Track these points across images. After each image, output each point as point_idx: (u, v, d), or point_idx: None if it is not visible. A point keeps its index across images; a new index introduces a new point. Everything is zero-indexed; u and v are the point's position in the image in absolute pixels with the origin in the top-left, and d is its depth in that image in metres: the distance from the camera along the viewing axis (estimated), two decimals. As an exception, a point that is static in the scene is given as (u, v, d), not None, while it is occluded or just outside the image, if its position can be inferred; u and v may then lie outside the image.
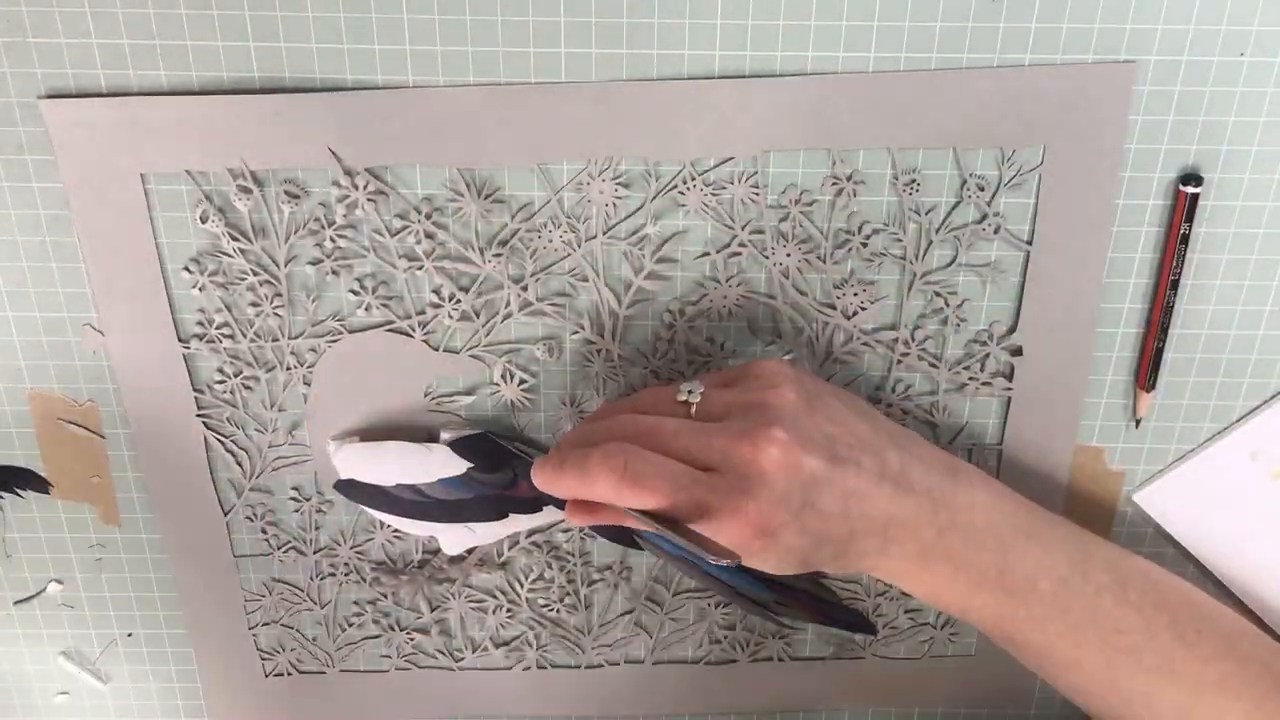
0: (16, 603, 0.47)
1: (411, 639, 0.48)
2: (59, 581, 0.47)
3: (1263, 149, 0.38)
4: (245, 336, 0.41)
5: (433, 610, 0.47)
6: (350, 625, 0.47)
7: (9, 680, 0.49)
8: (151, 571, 0.47)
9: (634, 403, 0.37)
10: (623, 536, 0.44)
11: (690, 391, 0.36)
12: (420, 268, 0.40)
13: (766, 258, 0.40)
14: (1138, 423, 0.43)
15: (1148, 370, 0.41)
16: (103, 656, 0.49)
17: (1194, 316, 0.41)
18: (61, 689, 0.49)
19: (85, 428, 0.43)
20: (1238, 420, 0.43)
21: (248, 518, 0.45)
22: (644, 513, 0.34)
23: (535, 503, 0.43)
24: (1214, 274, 0.40)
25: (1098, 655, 0.37)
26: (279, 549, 0.46)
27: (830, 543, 0.35)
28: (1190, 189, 0.38)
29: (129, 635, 0.48)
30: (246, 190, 0.38)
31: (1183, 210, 0.38)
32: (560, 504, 0.43)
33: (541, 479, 0.35)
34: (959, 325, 0.41)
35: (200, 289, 0.40)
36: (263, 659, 0.48)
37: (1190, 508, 0.44)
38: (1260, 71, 0.36)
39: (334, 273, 0.40)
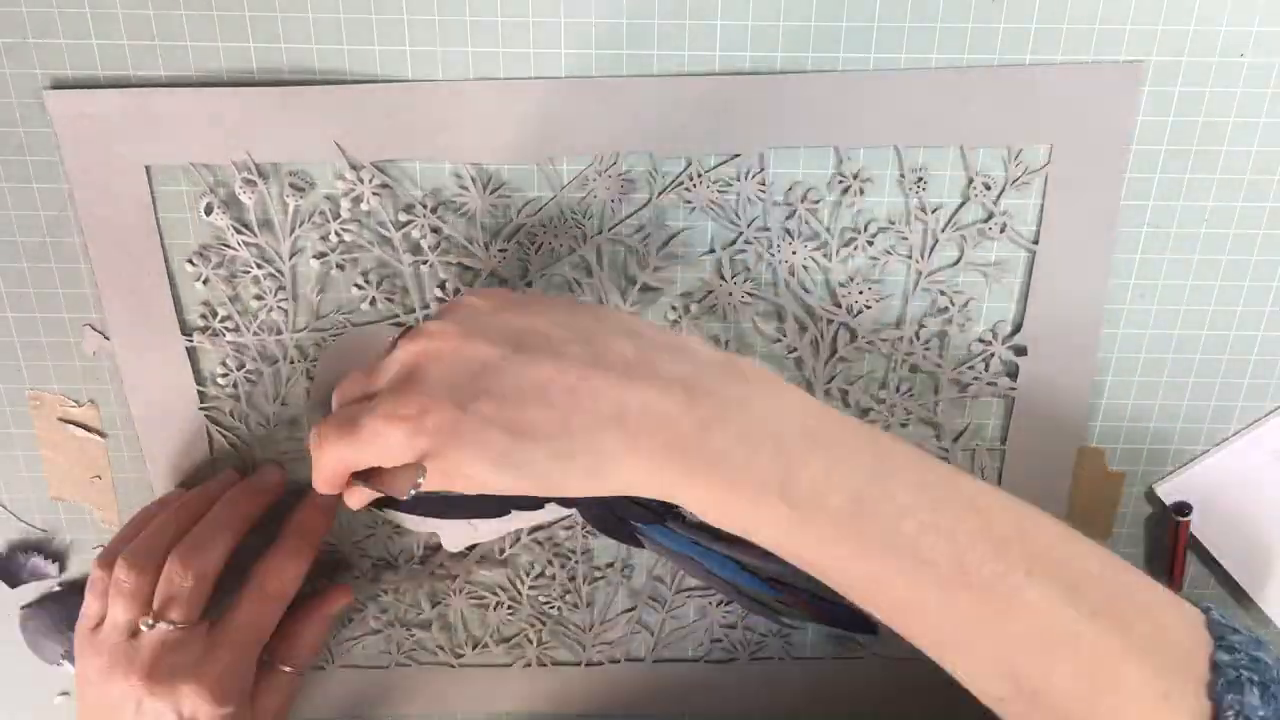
0: (23, 608, 0.47)
1: (412, 635, 0.47)
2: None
3: (1263, 149, 0.38)
4: (249, 330, 0.41)
5: (434, 606, 0.47)
6: (351, 621, 0.47)
7: (9, 681, 0.49)
8: (150, 569, 0.46)
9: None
10: (624, 534, 0.44)
11: (394, 341, 0.33)
12: (425, 262, 0.40)
13: (772, 255, 0.40)
14: None
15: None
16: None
17: (1194, 317, 0.41)
18: (62, 690, 0.49)
19: (85, 428, 0.43)
20: (1264, 416, 0.43)
21: (248, 513, 0.45)
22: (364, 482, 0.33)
23: (537, 500, 0.43)
24: (1214, 275, 0.40)
25: (906, 592, 0.30)
26: (280, 545, 0.45)
27: (540, 437, 0.30)
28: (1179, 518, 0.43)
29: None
30: (251, 183, 0.38)
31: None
32: (565, 502, 0.43)
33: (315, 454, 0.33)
34: (964, 325, 0.41)
35: (204, 282, 0.40)
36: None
37: (1209, 504, 0.44)
38: (1260, 72, 0.37)
39: (339, 266, 0.40)
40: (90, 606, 0.40)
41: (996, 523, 0.30)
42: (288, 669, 0.42)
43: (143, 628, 0.38)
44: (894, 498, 0.30)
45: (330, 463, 0.33)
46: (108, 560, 0.39)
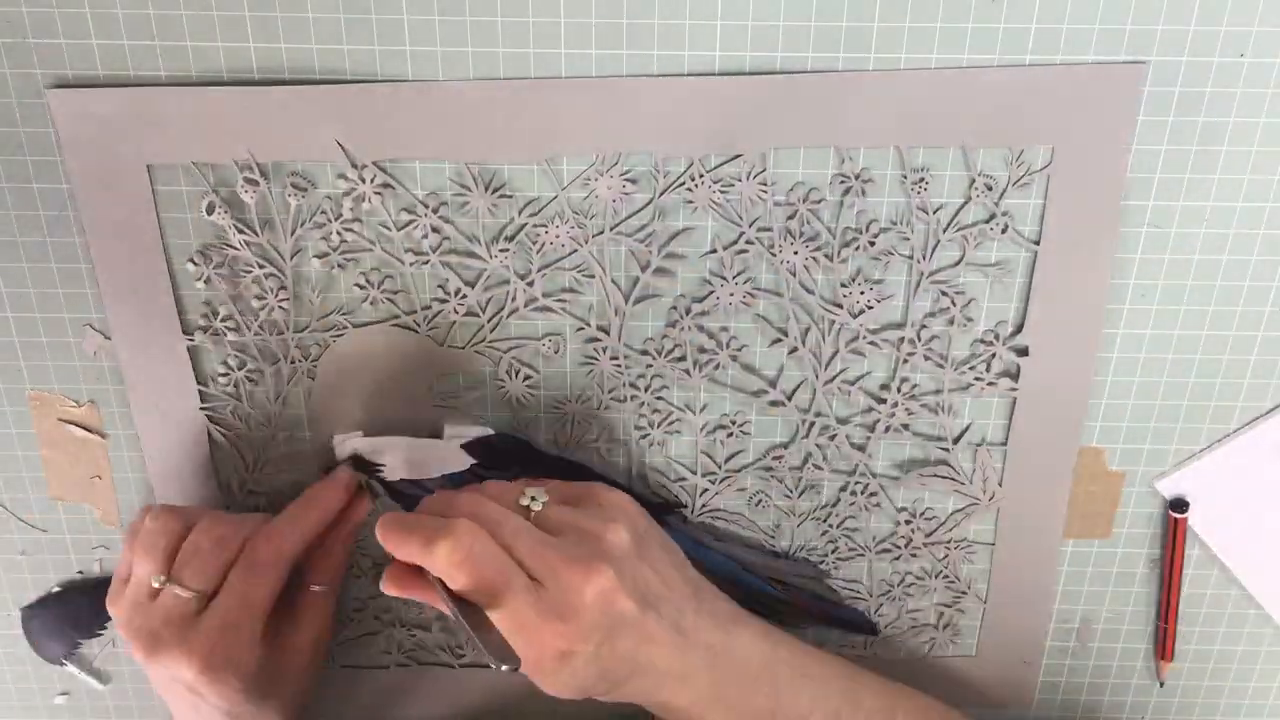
0: (24, 608, 0.47)
1: (413, 635, 0.47)
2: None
3: (1262, 149, 0.38)
4: (250, 330, 0.41)
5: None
6: (351, 621, 0.47)
7: (9, 681, 0.49)
8: (150, 569, 0.46)
9: (479, 490, 0.38)
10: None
11: (533, 499, 0.38)
12: (426, 262, 0.40)
13: (774, 255, 0.40)
14: (1161, 684, 0.47)
15: (1172, 644, 0.47)
16: (102, 657, 0.48)
17: (1194, 317, 0.41)
18: (62, 689, 0.49)
19: (85, 428, 0.43)
20: (1265, 414, 0.43)
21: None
22: (453, 596, 0.35)
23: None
24: (1214, 276, 0.40)
25: None
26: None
27: (610, 680, 0.37)
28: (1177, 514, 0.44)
29: (114, 645, 0.48)
30: (253, 182, 0.38)
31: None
32: None
33: (386, 535, 0.36)
34: (965, 325, 0.41)
35: (205, 281, 0.40)
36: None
37: (1209, 501, 0.44)
38: (1260, 72, 0.37)
39: (340, 266, 0.40)
40: (123, 557, 0.40)
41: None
42: (317, 588, 0.42)
43: (155, 584, 0.39)
44: (860, 705, 0.41)
45: (466, 587, 0.35)
46: (147, 514, 0.40)
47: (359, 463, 0.42)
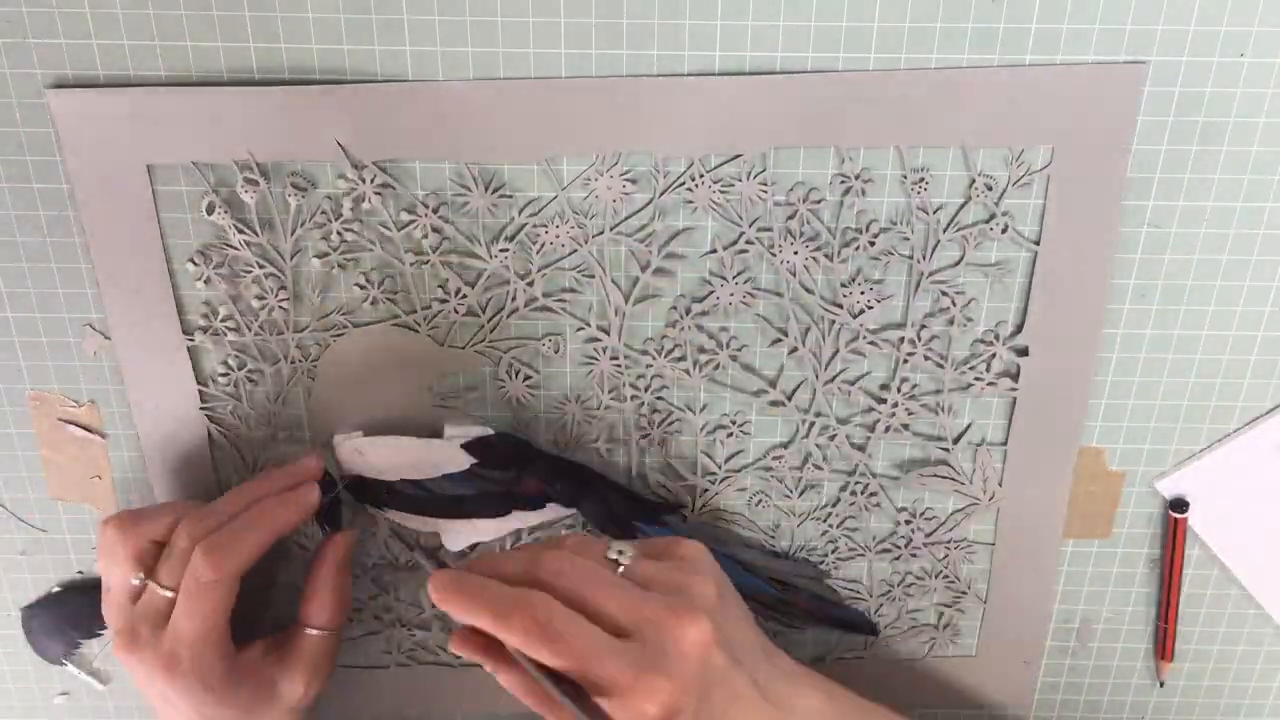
0: (24, 608, 0.47)
1: (413, 635, 0.47)
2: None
3: (1262, 149, 0.38)
4: (250, 330, 0.41)
5: (434, 606, 0.46)
6: (351, 621, 0.47)
7: (9, 681, 0.49)
8: (150, 569, 0.46)
9: (560, 544, 0.37)
10: (625, 533, 0.44)
11: (621, 552, 0.36)
12: (426, 262, 0.40)
13: (774, 255, 0.40)
14: (1161, 684, 0.48)
15: (1172, 644, 0.46)
16: (102, 657, 0.48)
17: (1194, 317, 0.41)
18: (62, 689, 0.49)
19: (85, 428, 0.43)
20: (1266, 413, 0.43)
21: (248, 513, 0.44)
22: (542, 668, 0.34)
23: (539, 500, 0.43)
24: (1214, 275, 0.40)
25: None
26: (278, 545, 0.45)
27: None
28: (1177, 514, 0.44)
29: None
30: (253, 182, 0.38)
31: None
32: (566, 501, 0.43)
33: (445, 598, 0.35)
34: (965, 325, 0.41)
35: (205, 281, 0.40)
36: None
37: (1209, 501, 0.44)
38: (1260, 72, 0.37)
39: (340, 266, 0.40)
40: (101, 562, 0.40)
41: None
42: (313, 631, 0.42)
43: (134, 581, 0.39)
44: None
45: (549, 660, 0.33)
46: (122, 518, 0.39)
47: (356, 489, 0.42)
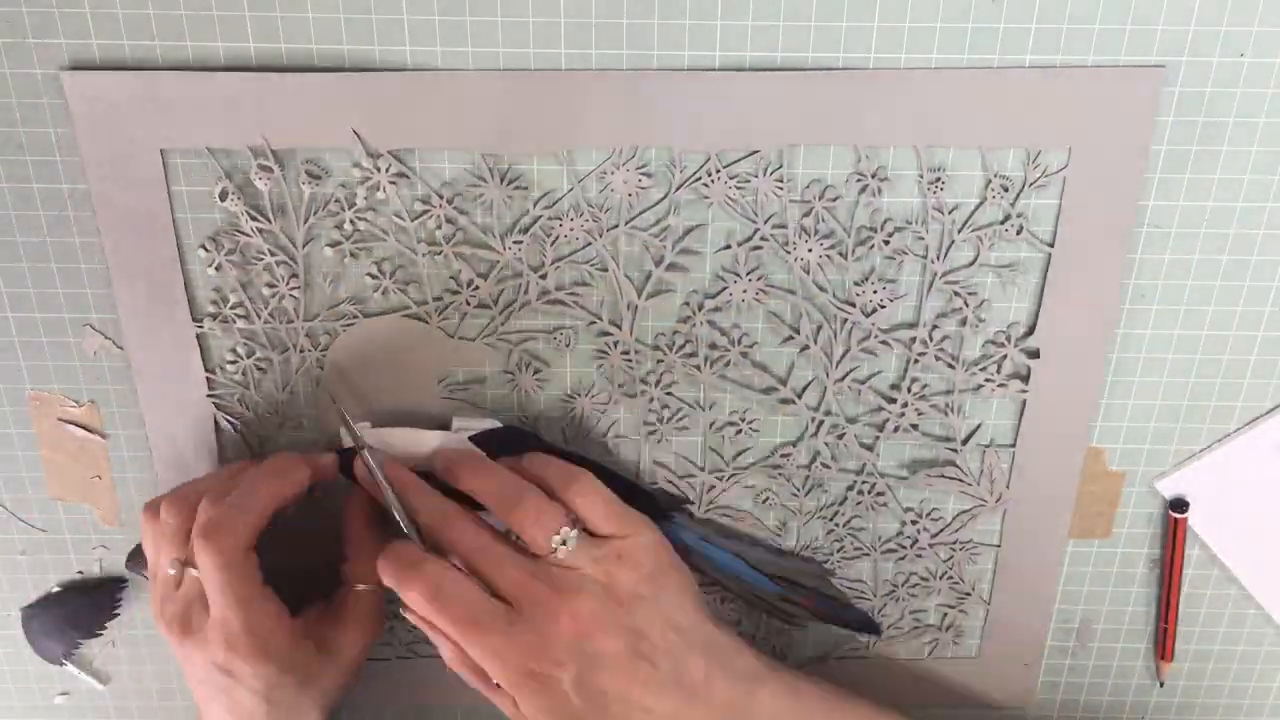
0: (24, 608, 0.46)
1: (414, 629, 0.46)
2: (60, 586, 0.46)
3: (1262, 149, 0.38)
4: (260, 318, 0.41)
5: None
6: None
7: (9, 681, 0.48)
8: (150, 569, 0.46)
9: (516, 507, 0.39)
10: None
11: (564, 542, 0.38)
12: (439, 253, 0.40)
13: (788, 252, 0.40)
14: (1161, 684, 0.48)
15: (1172, 644, 0.47)
16: (102, 657, 0.47)
17: (1194, 317, 0.41)
18: (62, 689, 0.48)
19: (85, 428, 0.43)
20: (1266, 413, 0.43)
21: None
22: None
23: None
24: (1214, 275, 0.41)
25: None
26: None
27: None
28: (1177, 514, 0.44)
29: (113, 646, 0.47)
30: (267, 169, 0.38)
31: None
32: None
33: (381, 567, 0.38)
34: (977, 325, 0.41)
35: (216, 268, 0.40)
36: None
37: (1209, 501, 0.45)
38: (1260, 72, 0.37)
39: (352, 255, 0.40)
40: (147, 554, 0.40)
41: None
42: (363, 588, 0.41)
43: (171, 571, 0.39)
44: None
45: (440, 622, 0.37)
46: (153, 506, 0.39)
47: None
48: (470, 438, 0.42)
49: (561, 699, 0.37)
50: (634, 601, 0.38)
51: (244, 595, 0.38)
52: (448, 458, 0.40)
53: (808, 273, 0.40)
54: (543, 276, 0.40)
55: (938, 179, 0.39)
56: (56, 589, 0.46)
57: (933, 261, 0.40)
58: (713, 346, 0.42)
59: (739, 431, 0.43)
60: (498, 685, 0.38)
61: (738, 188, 0.39)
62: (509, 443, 0.42)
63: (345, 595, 0.42)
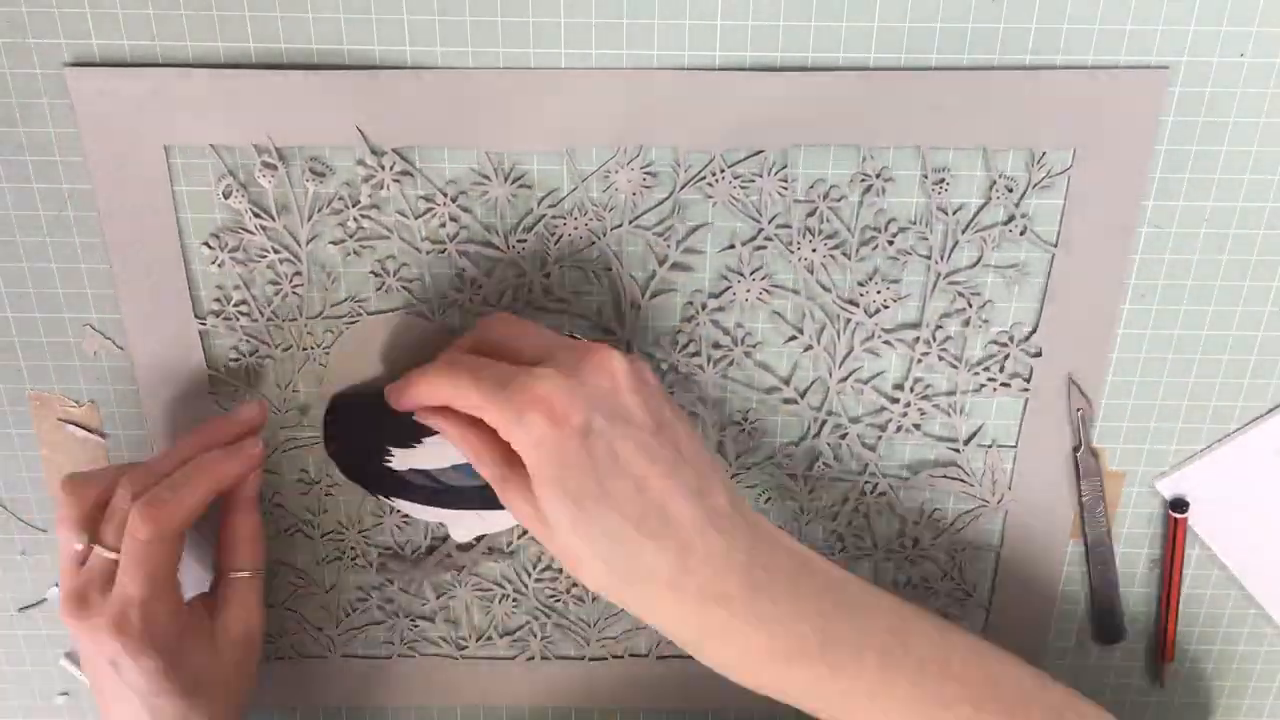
0: (21, 609, 0.46)
1: (416, 626, 0.46)
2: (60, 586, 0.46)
3: (1263, 149, 0.39)
4: (263, 315, 0.40)
5: (438, 597, 0.46)
6: (353, 611, 0.46)
7: (9, 681, 0.48)
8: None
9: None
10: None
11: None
12: (443, 251, 0.40)
13: (792, 252, 0.40)
14: (1161, 684, 0.48)
15: (1172, 644, 0.47)
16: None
17: (1194, 317, 0.42)
18: (62, 690, 0.48)
19: (85, 428, 0.42)
20: (1266, 413, 0.43)
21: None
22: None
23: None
24: (1214, 275, 0.41)
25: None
26: (284, 531, 0.45)
27: (621, 512, 0.33)
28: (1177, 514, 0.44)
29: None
30: (271, 166, 0.38)
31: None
32: None
33: (393, 394, 0.37)
34: (981, 326, 0.41)
35: (219, 265, 0.39)
36: (264, 642, 0.46)
37: (1210, 501, 0.45)
38: (1260, 72, 0.37)
39: (355, 253, 0.40)
40: (59, 533, 0.39)
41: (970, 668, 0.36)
42: (238, 574, 0.40)
43: (78, 545, 0.37)
44: (911, 650, 0.35)
45: (439, 391, 0.35)
46: (72, 479, 0.38)
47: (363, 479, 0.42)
48: None
49: (576, 454, 0.33)
50: (664, 397, 0.35)
51: (154, 576, 0.37)
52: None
53: (811, 273, 0.40)
54: (546, 275, 0.40)
55: (942, 179, 0.39)
56: None
57: (936, 262, 0.40)
58: (716, 346, 0.42)
59: (742, 431, 0.43)
60: (507, 475, 0.35)
61: (741, 187, 0.39)
62: None
63: (223, 585, 0.41)
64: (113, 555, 0.37)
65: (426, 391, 0.36)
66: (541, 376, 0.33)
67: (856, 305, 0.41)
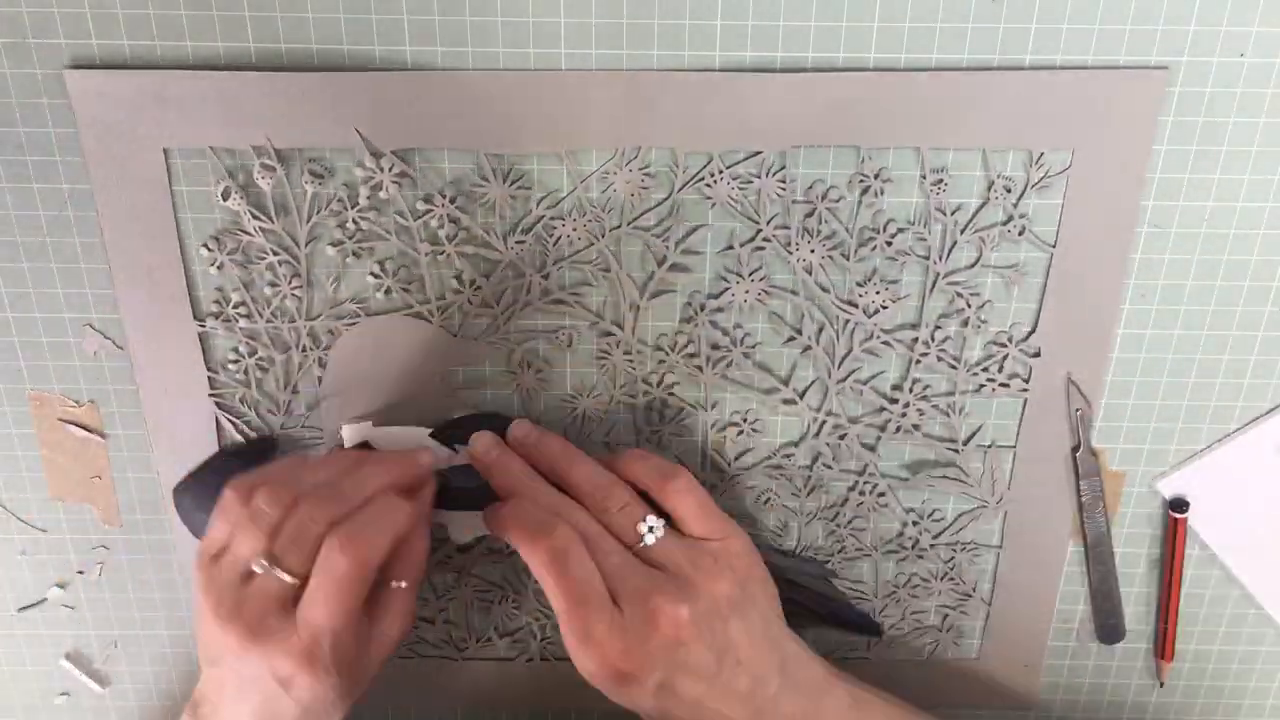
0: (21, 609, 0.46)
1: (415, 627, 0.47)
2: (60, 586, 0.46)
3: (1263, 149, 0.39)
4: (262, 317, 0.41)
5: (438, 599, 0.46)
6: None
7: (9, 681, 0.48)
8: (152, 572, 0.46)
9: (606, 496, 0.39)
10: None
11: (651, 529, 0.38)
12: (442, 253, 0.40)
13: (790, 253, 0.40)
14: (1161, 684, 0.48)
15: (1172, 644, 0.47)
16: (102, 659, 0.47)
17: (1194, 317, 0.42)
18: (62, 690, 0.48)
19: (85, 428, 0.42)
20: (1266, 413, 0.43)
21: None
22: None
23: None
24: (1214, 275, 0.41)
25: None
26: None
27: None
28: (1177, 514, 0.44)
29: (114, 646, 0.47)
30: (270, 168, 0.38)
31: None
32: None
33: (495, 520, 0.39)
34: (979, 326, 0.41)
35: (219, 267, 0.40)
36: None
37: (1209, 501, 0.45)
38: (1260, 72, 0.37)
39: (355, 255, 0.40)
40: (217, 531, 0.37)
41: None
42: (399, 584, 0.39)
43: (256, 569, 0.36)
44: None
45: (549, 584, 0.37)
46: (246, 487, 0.37)
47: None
48: (439, 428, 0.41)
49: (639, 694, 0.37)
50: (731, 612, 0.38)
51: (351, 610, 0.36)
52: (539, 443, 0.40)
53: (810, 273, 0.40)
54: (545, 276, 0.40)
55: (940, 180, 0.39)
56: (207, 458, 0.43)
57: (935, 262, 0.40)
58: (715, 347, 0.42)
59: (741, 432, 0.43)
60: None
61: (740, 188, 0.39)
62: (470, 430, 0.41)
63: (382, 592, 0.39)
64: (291, 579, 0.36)
65: (525, 552, 0.38)
66: (611, 632, 0.36)
67: (855, 306, 0.41)
